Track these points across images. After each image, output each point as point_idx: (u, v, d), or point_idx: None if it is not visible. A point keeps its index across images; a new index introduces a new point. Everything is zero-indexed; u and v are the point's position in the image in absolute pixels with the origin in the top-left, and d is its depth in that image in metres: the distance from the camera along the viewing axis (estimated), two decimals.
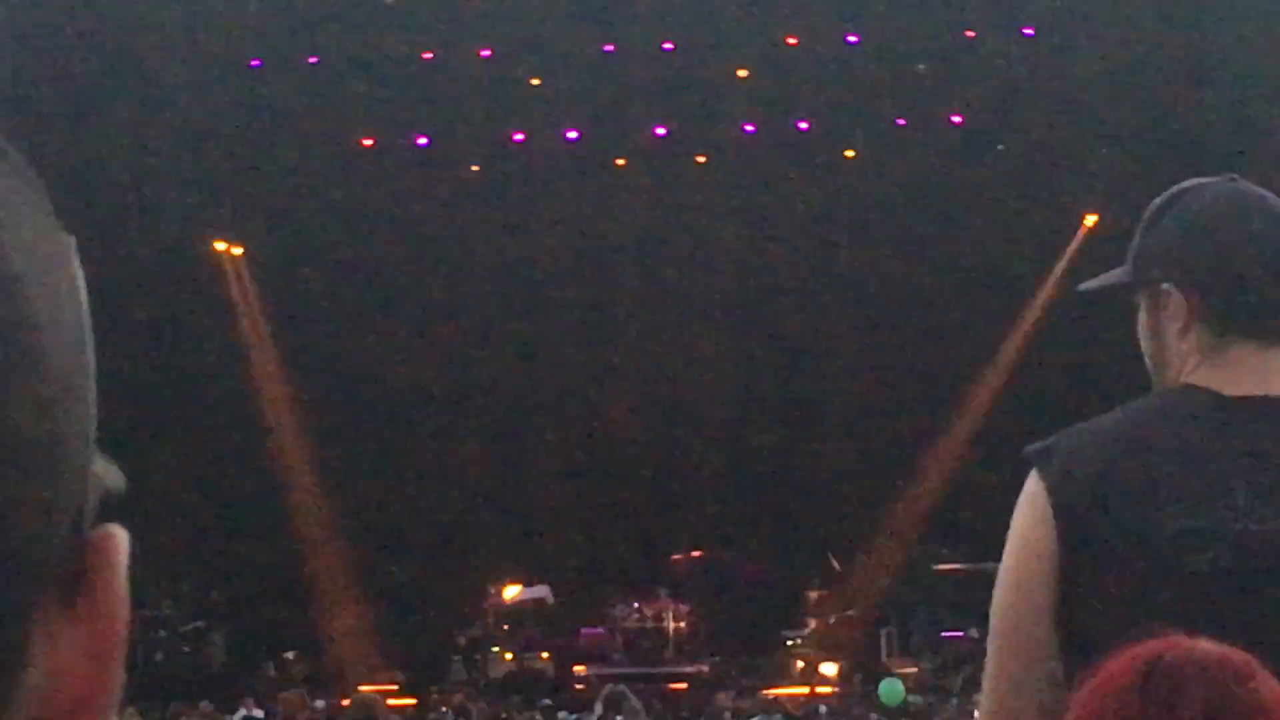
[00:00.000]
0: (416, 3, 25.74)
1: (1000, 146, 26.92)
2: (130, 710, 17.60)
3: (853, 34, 26.05)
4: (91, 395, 0.84)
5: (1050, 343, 26.64)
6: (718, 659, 26.03)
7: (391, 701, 23.50)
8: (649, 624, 26.18)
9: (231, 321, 27.38)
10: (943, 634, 24.68)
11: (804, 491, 27.67)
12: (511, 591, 26.75)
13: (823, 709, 21.94)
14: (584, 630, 26.58)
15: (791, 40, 26.04)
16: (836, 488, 27.46)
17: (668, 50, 26.14)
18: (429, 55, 26.03)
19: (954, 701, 20.63)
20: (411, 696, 24.23)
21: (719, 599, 26.96)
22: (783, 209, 27.32)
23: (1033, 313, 27.32)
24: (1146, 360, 3.40)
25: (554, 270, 27.48)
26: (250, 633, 26.37)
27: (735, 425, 28.03)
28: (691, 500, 27.74)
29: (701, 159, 27.23)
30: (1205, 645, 2.18)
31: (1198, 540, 3.07)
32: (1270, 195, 3.32)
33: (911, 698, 21.95)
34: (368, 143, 26.91)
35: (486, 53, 25.95)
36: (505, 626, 26.20)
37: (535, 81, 26.26)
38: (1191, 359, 3.27)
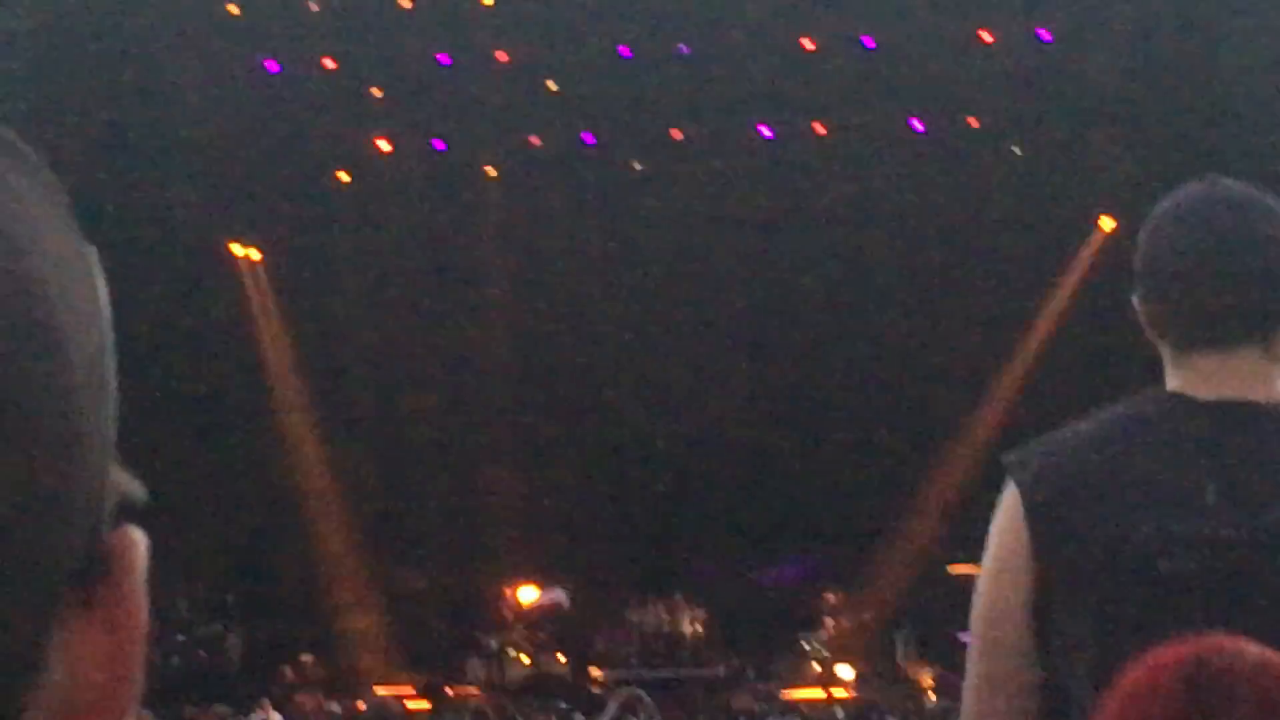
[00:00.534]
0: (433, 6, 25.74)
1: (1016, 149, 26.87)
2: (147, 713, 17.61)
3: (869, 37, 26.03)
4: (112, 400, 0.84)
5: (1066, 346, 26.61)
6: (734, 661, 26.01)
7: (408, 704, 23.54)
8: (665, 627, 26.17)
9: (249, 325, 27.40)
10: (959, 636, 24.63)
11: (819, 493, 27.63)
12: (528, 594, 26.75)
13: (839, 712, 21.93)
14: (600, 633, 26.58)
15: (807, 42, 26.03)
16: (851, 490, 27.42)
17: (684, 53, 26.14)
18: (445, 59, 26.04)
19: None
20: (427, 699, 24.23)
21: (735, 602, 26.94)
22: (799, 211, 27.30)
23: (1048, 315, 27.27)
24: None
25: (571, 273, 27.47)
26: (267, 635, 26.38)
27: (751, 427, 28.00)
28: (708, 503, 27.73)
29: (718, 162, 27.21)
30: (1248, 646, 2.16)
31: (1167, 544, 3.08)
32: (1247, 194, 3.30)
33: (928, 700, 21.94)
34: (384, 146, 26.92)
35: (503, 56, 25.96)
36: (521, 629, 26.19)
37: (552, 85, 26.26)
38: (1167, 365, 3.29)
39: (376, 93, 26.18)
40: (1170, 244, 3.24)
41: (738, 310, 27.74)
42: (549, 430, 27.80)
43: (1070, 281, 26.92)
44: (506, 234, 27.36)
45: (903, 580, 26.87)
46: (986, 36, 25.85)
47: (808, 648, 25.85)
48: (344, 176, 27.16)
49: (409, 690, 24.47)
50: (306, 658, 25.56)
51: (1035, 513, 3.16)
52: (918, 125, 26.66)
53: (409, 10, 25.55)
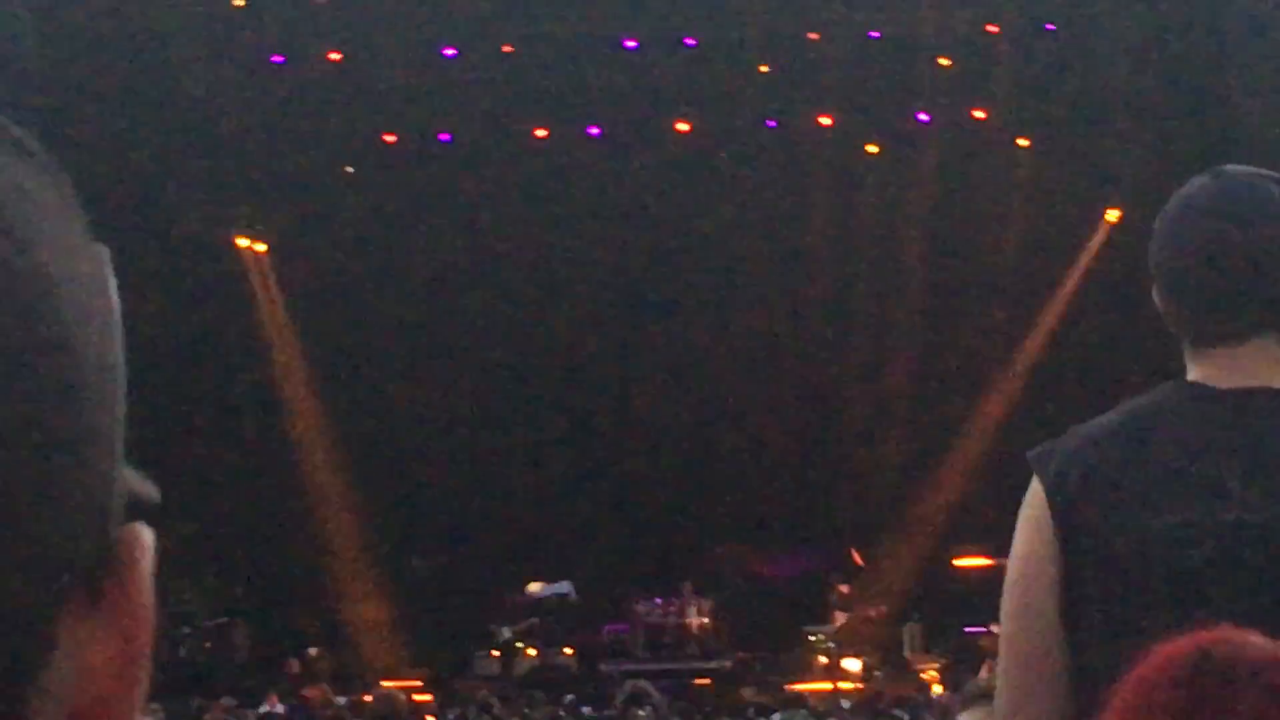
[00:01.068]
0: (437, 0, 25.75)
1: (1022, 141, 26.86)
2: (154, 705, 17.63)
3: (875, 29, 26.02)
4: (120, 398, 0.85)
5: (1073, 337, 26.60)
6: (741, 655, 26.02)
7: (415, 697, 23.54)
8: (672, 620, 26.19)
9: (255, 317, 27.40)
10: (965, 629, 24.64)
11: (827, 487, 27.65)
12: (535, 587, 26.77)
13: (846, 704, 21.93)
14: (607, 626, 26.59)
15: (813, 35, 26.02)
16: (859, 484, 27.44)
17: (690, 46, 26.13)
18: (451, 51, 26.04)
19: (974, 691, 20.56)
20: (435, 692, 24.25)
21: (742, 595, 26.95)
22: (805, 204, 27.29)
23: (1055, 307, 27.26)
24: None
25: (577, 266, 27.47)
26: (274, 628, 26.42)
27: (759, 421, 28.01)
28: (715, 497, 27.74)
29: (724, 154, 27.22)
30: (1253, 637, 2.16)
31: (1191, 534, 3.08)
32: (1255, 184, 3.30)
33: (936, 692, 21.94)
34: (390, 139, 26.92)
35: (508, 49, 25.96)
36: (529, 622, 26.21)
37: (557, 77, 26.26)
38: (1187, 357, 3.30)
39: (382, 86, 26.18)
40: (1182, 239, 3.24)
41: (746, 304, 27.73)
42: (557, 423, 27.81)
43: (1076, 274, 26.90)
44: (512, 225, 27.34)
45: (910, 574, 26.88)
46: (994, 30, 25.84)
47: (814, 640, 25.86)
48: (349, 169, 27.16)
49: (416, 683, 24.48)
50: (313, 651, 25.59)
51: (1060, 507, 3.16)
52: (924, 118, 26.65)
53: (414, 4, 25.55)
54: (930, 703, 20.88)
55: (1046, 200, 26.58)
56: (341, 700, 21.92)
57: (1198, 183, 3.33)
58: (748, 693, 23.06)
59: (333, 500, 27.52)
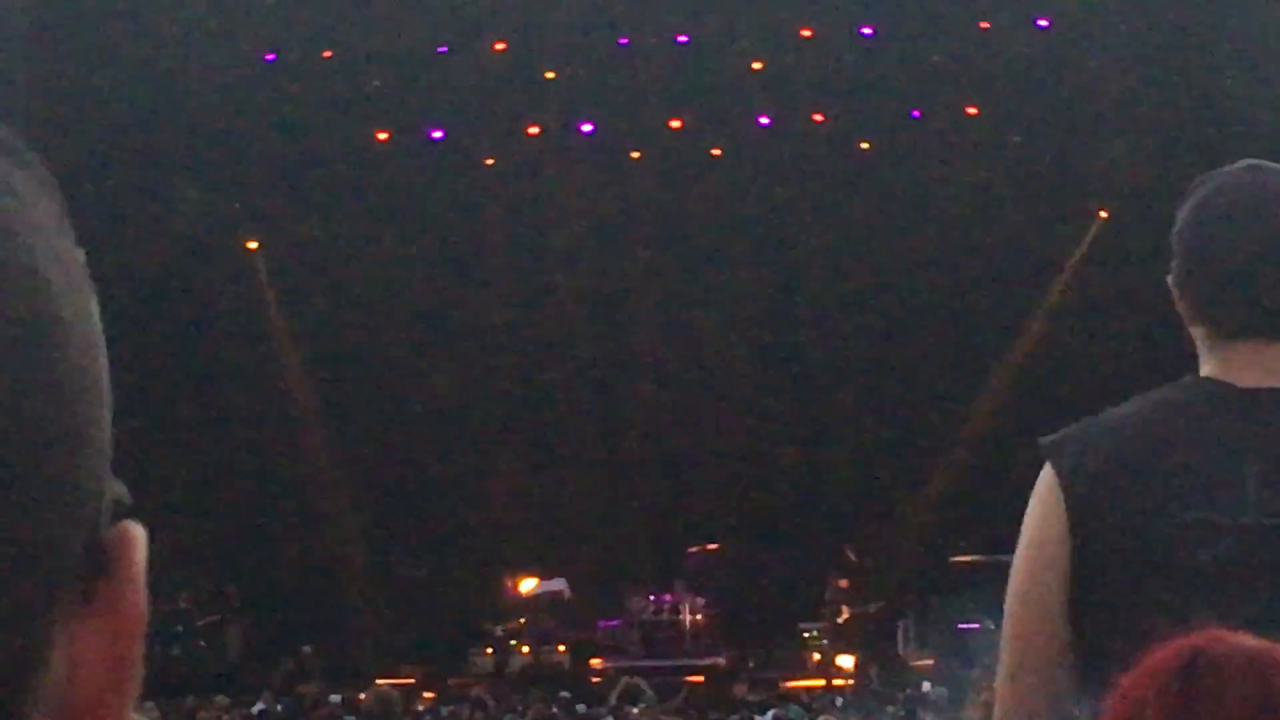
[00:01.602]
0: None
1: (1016, 139, 26.88)
2: (148, 704, 17.63)
3: (868, 26, 26.04)
4: (107, 398, 0.85)
5: (1065, 335, 26.62)
6: (734, 651, 26.03)
7: (409, 695, 23.54)
8: (665, 617, 26.19)
9: (247, 316, 27.38)
10: (959, 626, 24.66)
11: (820, 484, 27.66)
12: (529, 585, 26.77)
13: (839, 701, 21.93)
14: (601, 623, 26.60)
15: (806, 32, 26.04)
16: (853, 480, 27.46)
17: (682, 43, 26.15)
18: (444, 49, 26.04)
19: (970, 692, 20.60)
20: (429, 689, 24.25)
21: (735, 592, 26.96)
22: (798, 201, 27.31)
23: (1047, 304, 27.28)
24: None
25: (570, 263, 27.48)
26: (267, 627, 26.40)
27: (752, 418, 28.02)
28: (708, 493, 27.75)
29: (717, 151, 27.23)
30: (1245, 639, 2.16)
31: (1207, 532, 3.07)
32: None
33: (930, 689, 21.93)
34: (383, 137, 26.91)
35: (501, 46, 25.96)
36: (522, 620, 26.21)
37: (550, 74, 26.27)
38: (1203, 352, 3.27)
39: (374, 84, 26.19)
40: (1220, 231, 3.21)
41: (738, 301, 27.74)
42: (550, 420, 27.82)
43: (1070, 270, 26.92)
44: (506, 223, 27.35)
45: (903, 570, 26.89)
46: (986, 26, 25.87)
47: (808, 637, 25.87)
48: (342, 167, 27.15)
49: (410, 681, 24.48)
50: (307, 649, 25.58)
51: (1075, 498, 3.14)
52: (916, 115, 26.66)
53: (407, 1, 25.55)
54: (924, 700, 20.90)
55: (1038, 197, 26.60)
56: (336, 698, 21.91)
57: (1236, 175, 3.30)
58: (741, 689, 23.06)
59: (326, 499, 27.51)
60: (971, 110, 26.55)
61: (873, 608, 26.42)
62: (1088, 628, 3.12)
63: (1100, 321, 25.51)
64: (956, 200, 26.82)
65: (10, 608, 0.78)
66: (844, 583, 26.57)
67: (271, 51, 26.09)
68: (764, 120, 26.99)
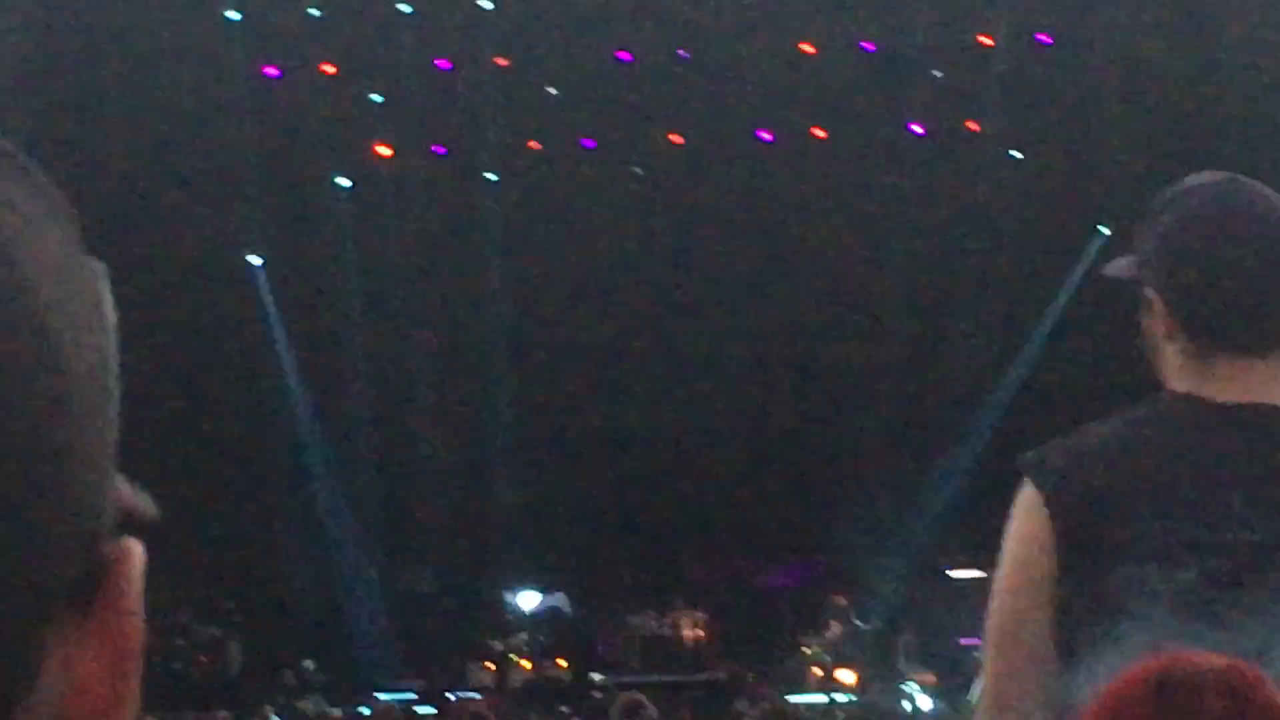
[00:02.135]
0: (433, 12, 25.75)
1: (1016, 154, 26.86)
2: (147, 719, 17.60)
3: (868, 41, 26.04)
4: (113, 415, 0.85)
5: (1064, 350, 26.59)
6: (735, 666, 25.98)
7: (410, 709, 23.51)
8: (666, 632, 26.14)
9: (250, 330, 27.35)
10: (959, 640, 24.63)
11: (821, 499, 27.62)
12: (529, 599, 26.73)
13: (840, 716, 21.91)
14: (601, 637, 26.56)
15: (807, 48, 26.03)
16: (852, 496, 27.41)
17: (683, 58, 26.14)
18: (446, 64, 26.04)
19: (970, 709, 20.56)
20: (429, 704, 24.21)
21: (736, 606, 26.92)
22: (797, 216, 27.29)
23: (1047, 319, 27.26)
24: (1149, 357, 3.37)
25: (571, 278, 27.45)
26: (268, 641, 26.35)
27: (753, 433, 27.98)
28: (709, 508, 27.71)
29: (718, 167, 27.22)
30: (1214, 656, 2.18)
31: (1193, 549, 3.05)
32: (1271, 195, 3.27)
33: (928, 704, 21.92)
34: (384, 152, 26.91)
35: (503, 62, 25.97)
36: (523, 634, 26.17)
37: (551, 90, 26.27)
38: (1177, 364, 3.24)
39: (377, 98, 26.19)
40: (1201, 245, 3.18)
41: (740, 316, 27.71)
42: (551, 436, 27.78)
43: (1069, 286, 26.89)
44: (508, 240, 27.34)
45: (904, 586, 26.84)
46: (986, 41, 25.87)
47: (809, 652, 25.81)
48: (344, 182, 27.15)
49: (411, 695, 24.45)
50: (308, 663, 25.54)
51: (1059, 516, 3.11)
52: (917, 130, 26.66)
53: (409, 15, 25.56)
54: (923, 715, 20.88)
55: (1039, 213, 26.58)
56: (337, 713, 21.89)
57: (1211, 188, 3.28)
58: (742, 704, 23.00)
59: (327, 513, 27.48)
60: (972, 126, 26.54)
61: (872, 623, 26.37)
62: (1072, 646, 3.10)
63: (1101, 338, 25.47)
64: (957, 216, 26.80)
65: (7, 620, 0.78)
66: (843, 598, 26.51)
67: (274, 66, 26.09)
68: (765, 135, 26.98)
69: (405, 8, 25.53)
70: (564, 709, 22.49)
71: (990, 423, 27.18)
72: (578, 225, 27.22)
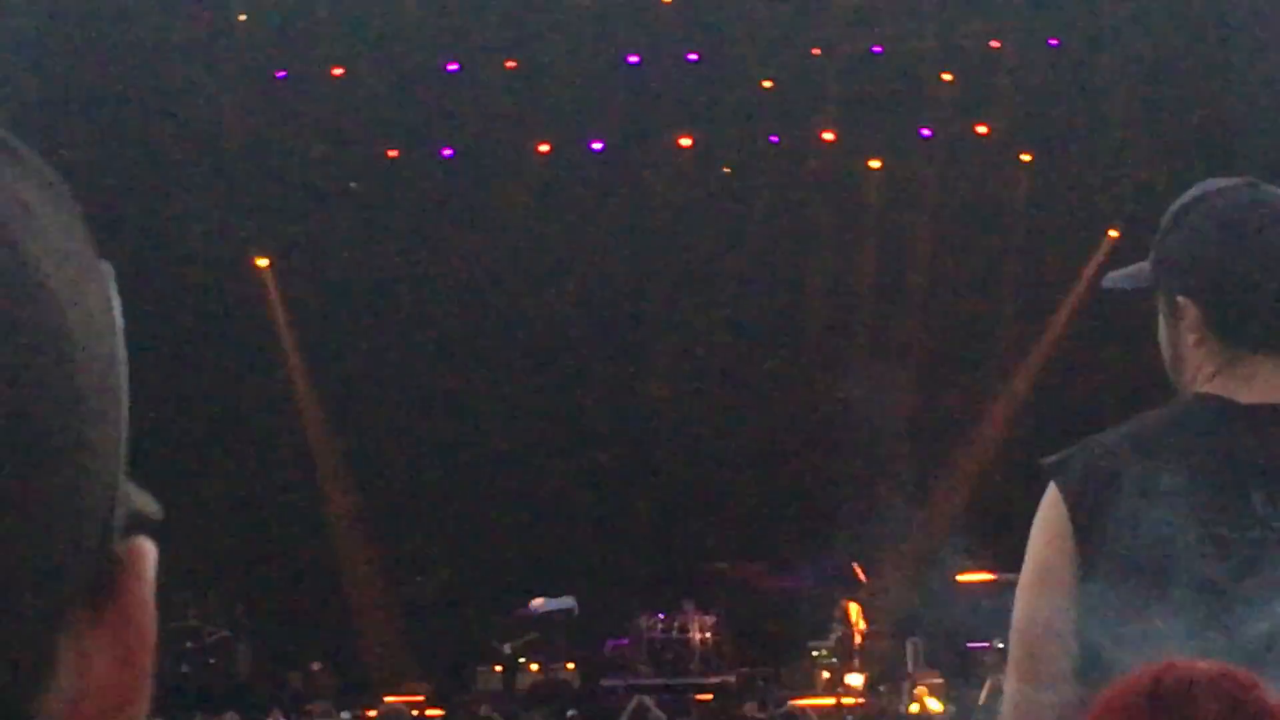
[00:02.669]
0: (441, 14, 25.77)
1: (1025, 158, 26.86)
2: None
3: (878, 44, 26.05)
4: (122, 414, 0.85)
5: (1074, 355, 26.59)
6: (743, 670, 25.99)
7: (418, 712, 23.53)
8: (674, 635, 26.15)
9: (258, 333, 27.38)
10: (968, 644, 24.62)
11: (829, 502, 27.60)
12: (537, 602, 26.74)
13: (848, 718, 21.92)
14: (610, 641, 26.57)
15: (816, 51, 26.04)
16: (861, 498, 27.39)
17: (692, 61, 26.16)
18: (454, 67, 26.06)
19: (979, 712, 20.58)
20: (438, 707, 24.24)
21: (744, 610, 26.93)
22: (807, 219, 27.31)
23: (1057, 324, 27.25)
24: (1166, 364, 3.39)
25: (579, 281, 27.47)
26: (277, 643, 26.39)
27: (761, 436, 27.99)
28: (717, 512, 27.71)
29: (727, 170, 27.24)
30: (1206, 663, 2.20)
31: (1216, 547, 3.07)
32: None
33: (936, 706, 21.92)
34: (393, 154, 26.93)
35: (511, 64, 25.98)
36: (531, 637, 26.19)
37: (560, 93, 26.28)
38: (1206, 368, 3.26)
39: (384, 101, 26.22)
40: (1238, 246, 3.20)
41: (748, 320, 27.72)
42: (560, 438, 27.79)
43: (1080, 290, 26.88)
44: (515, 241, 27.34)
45: (912, 588, 26.83)
46: (997, 45, 25.87)
47: (817, 655, 25.83)
48: (351, 184, 27.18)
49: (419, 698, 24.46)
50: (316, 665, 25.57)
51: (1082, 517, 3.13)
52: (926, 133, 26.67)
53: (417, 18, 25.58)
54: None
55: (1048, 216, 26.59)
56: (345, 715, 21.91)
57: (1235, 192, 3.29)
58: (750, 708, 23.02)
59: (337, 515, 27.51)
60: (982, 129, 26.54)
61: (881, 626, 26.38)
62: (1095, 647, 3.11)
63: (1111, 342, 25.45)
64: (965, 219, 26.80)
65: (17, 621, 0.78)
66: (853, 601, 26.53)
67: (282, 69, 26.12)
68: (774, 138, 27.00)
69: (413, 10, 25.54)
70: (572, 712, 22.50)
71: (1000, 426, 27.18)
72: (589, 228, 27.23)
